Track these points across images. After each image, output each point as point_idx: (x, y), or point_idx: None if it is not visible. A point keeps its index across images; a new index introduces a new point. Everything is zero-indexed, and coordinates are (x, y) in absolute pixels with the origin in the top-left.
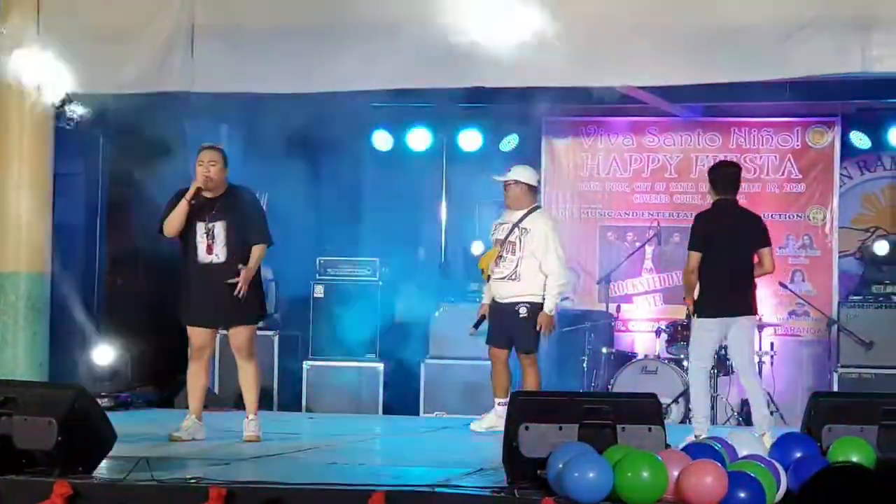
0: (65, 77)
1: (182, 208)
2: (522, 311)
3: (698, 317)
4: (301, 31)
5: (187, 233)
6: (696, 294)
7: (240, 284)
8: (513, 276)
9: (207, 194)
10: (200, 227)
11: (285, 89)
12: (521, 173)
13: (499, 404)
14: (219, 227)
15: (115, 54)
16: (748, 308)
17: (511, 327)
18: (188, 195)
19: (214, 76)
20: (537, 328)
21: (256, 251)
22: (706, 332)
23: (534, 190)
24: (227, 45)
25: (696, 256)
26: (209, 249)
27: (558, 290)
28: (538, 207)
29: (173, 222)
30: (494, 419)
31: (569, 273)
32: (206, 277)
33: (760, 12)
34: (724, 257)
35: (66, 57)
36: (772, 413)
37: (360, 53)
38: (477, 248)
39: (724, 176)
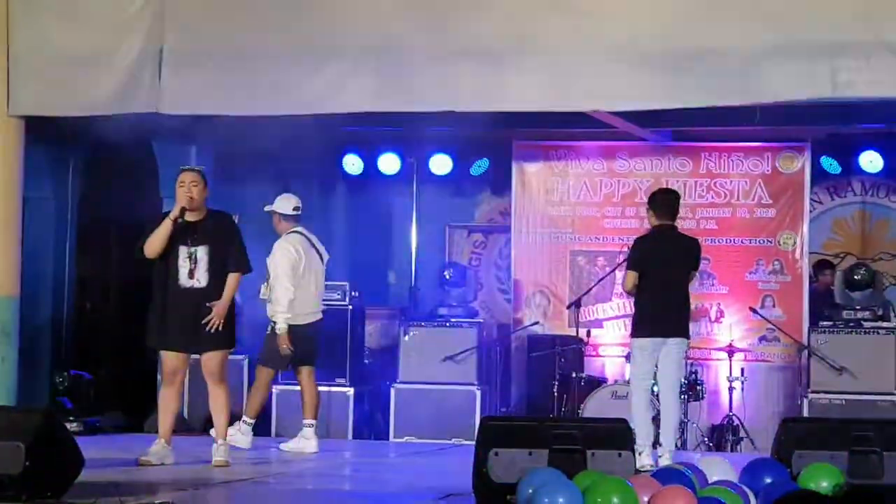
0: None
1: (166, 228)
2: (269, 329)
3: (633, 336)
4: (269, 54)
5: (167, 256)
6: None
7: (214, 319)
8: (268, 298)
9: (189, 217)
10: (182, 251)
11: (252, 112)
12: (277, 203)
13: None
14: (201, 252)
15: (83, 77)
16: (681, 330)
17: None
18: (173, 214)
19: (182, 99)
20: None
21: (232, 280)
22: (641, 352)
23: (290, 218)
24: (196, 68)
25: (632, 276)
26: (191, 274)
27: (279, 315)
28: (291, 233)
29: (156, 243)
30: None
31: (287, 299)
32: (184, 302)
33: (730, 37)
34: (659, 280)
35: (34, 80)
36: (741, 439)
37: (329, 77)
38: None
39: (663, 202)
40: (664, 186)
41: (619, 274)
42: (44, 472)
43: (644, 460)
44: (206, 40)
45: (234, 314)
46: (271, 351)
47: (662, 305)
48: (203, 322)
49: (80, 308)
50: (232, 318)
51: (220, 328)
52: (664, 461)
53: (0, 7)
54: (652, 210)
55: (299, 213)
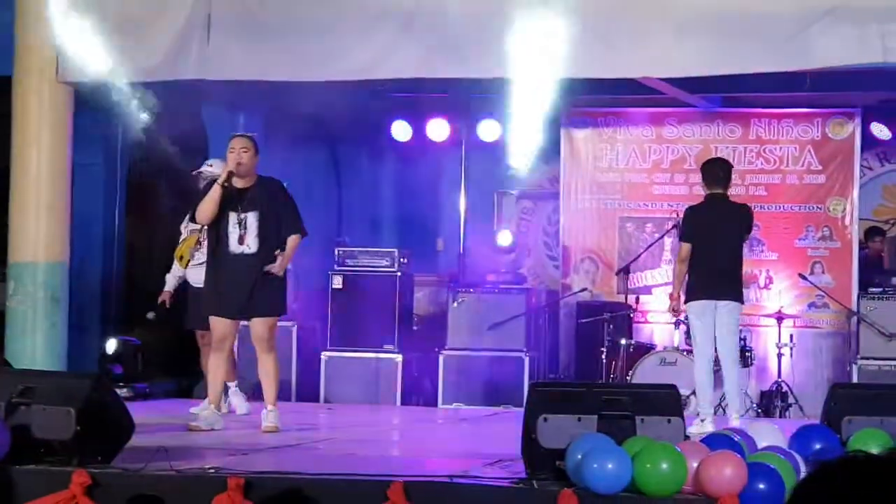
0: (83, 67)
1: (216, 193)
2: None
3: (686, 302)
4: (316, 20)
5: (218, 223)
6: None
7: (277, 269)
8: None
9: (238, 183)
10: (232, 217)
11: (299, 78)
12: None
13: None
14: (251, 218)
15: (131, 44)
16: (734, 294)
17: None
18: (221, 179)
19: (230, 65)
20: None
21: (291, 242)
22: (698, 319)
23: None
24: (243, 34)
25: (686, 247)
26: (241, 240)
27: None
28: None
29: (207, 208)
30: None
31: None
32: (235, 268)
33: (780, 3)
34: (711, 248)
35: (83, 48)
36: (790, 405)
37: (377, 43)
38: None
39: (713, 172)
40: (714, 155)
41: (668, 241)
42: (94, 437)
43: (707, 427)
44: (254, 6)
45: (285, 280)
46: None
47: (714, 271)
48: (257, 287)
49: (129, 274)
50: (283, 285)
51: (271, 292)
52: (734, 422)
53: None
54: (703, 180)
55: None
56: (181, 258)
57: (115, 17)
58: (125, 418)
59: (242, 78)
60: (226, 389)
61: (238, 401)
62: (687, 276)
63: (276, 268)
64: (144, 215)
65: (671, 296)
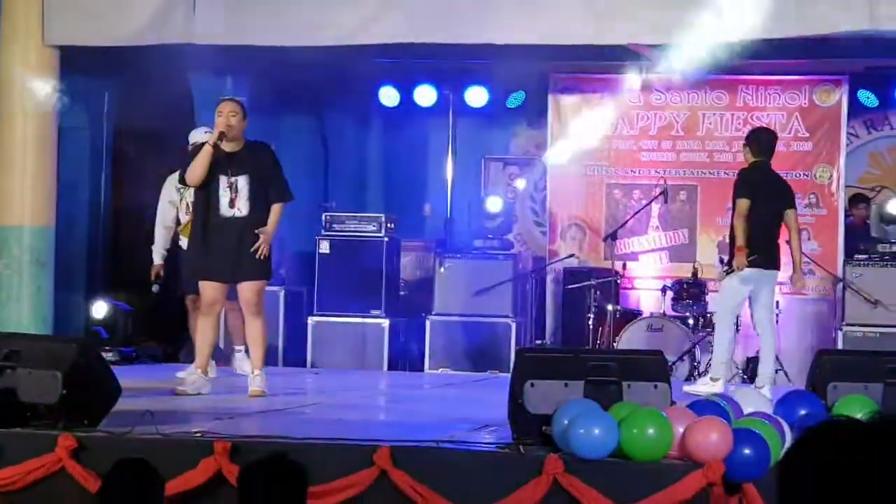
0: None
1: (206, 154)
2: None
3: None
4: None
5: (208, 186)
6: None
7: (261, 246)
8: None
9: (228, 147)
10: (223, 181)
11: (286, 43)
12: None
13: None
14: (242, 181)
15: (117, 7)
16: (777, 264)
17: None
18: (211, 140)
19: (217, 29)
20: None
21: (276, 209)
22: (742, 284)
23: None
24: None
25: (745, 203)
26: (232, 203)
27: None
28: None
29: (197, 170)
30: None
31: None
32: (225, 231)
33: None
34: (762, 214)
35: (69, 9)
36: (776, 371)
37: (364, 8)
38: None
39: (764, 140)
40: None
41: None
42: (80, 401)
43: (716, 388)
44: None
45: (271, 245)
46: None
47: (767, 239)
48: (246, 250)
49: (115, 238)
50: (270, 250)
51: (261, 258)
52: (766, 391)
53: None
54: (749, 147)
55: None
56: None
57: None
58: (111, 382)
59: (229, 43)
60: (232, 352)
61: (246, 366)
62: (733, 236)
63: (264, 240)
64: (131, 180)
65: (739, 248)
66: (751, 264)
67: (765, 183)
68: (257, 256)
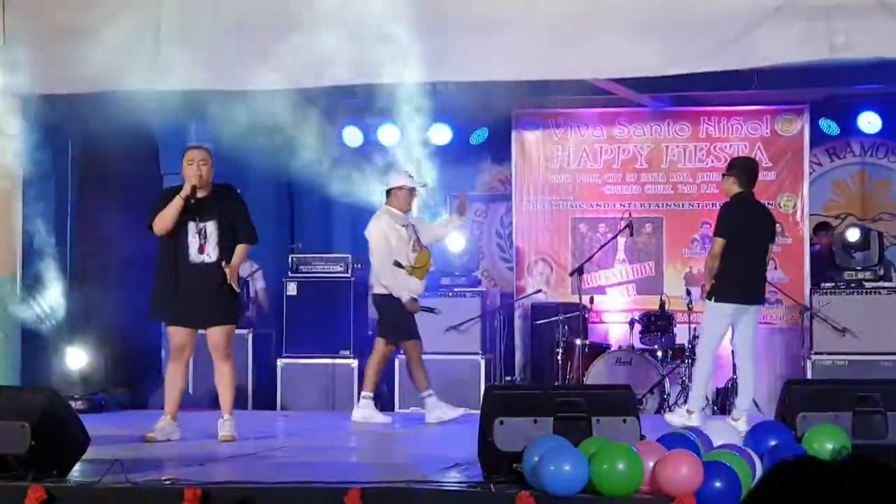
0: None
1: (176, 207)
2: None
3: (717, 301)
4: (261, 26)
5: (176, 232)
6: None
7: (232, 282)
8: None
9: (198, 193)
10: (192, 227)
11: (245, 86)
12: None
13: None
14: (211, 227)
15: (80, 54)
16: (762, 297)
17: None
18: (184, 193)
19: (179, 75)
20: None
21: (241, 250)
22: (723, 318)
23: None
24: (191, 43)
25: (720, 243)
26: (201, 249)
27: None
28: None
29: (167, 221)
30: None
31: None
32: (194, 277)
33: (727, 2)
34: (747, 247)
35: (31, 58)
36: None
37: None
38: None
39: (747, 170)
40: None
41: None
42: (49, 452)
43: (693, 421)
44: (201, 14)
45: (238, 289)
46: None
47: (749, 273)
48: (214, 296)
49: (82, 286)
50: (236, 294)
51: (227, 300)
52: (741, 425)
53: None
54: (734, 177)
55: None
56: (419, 269)
57: (64, 28)
58: (80, 431)
59: (191, 87)
60: None
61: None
62: (719, 272)
63: (230, 275)
64: (97, 227)
65: (703, 285)
66: (732, 300)
67: (751, 220)
68: (223, 293)
